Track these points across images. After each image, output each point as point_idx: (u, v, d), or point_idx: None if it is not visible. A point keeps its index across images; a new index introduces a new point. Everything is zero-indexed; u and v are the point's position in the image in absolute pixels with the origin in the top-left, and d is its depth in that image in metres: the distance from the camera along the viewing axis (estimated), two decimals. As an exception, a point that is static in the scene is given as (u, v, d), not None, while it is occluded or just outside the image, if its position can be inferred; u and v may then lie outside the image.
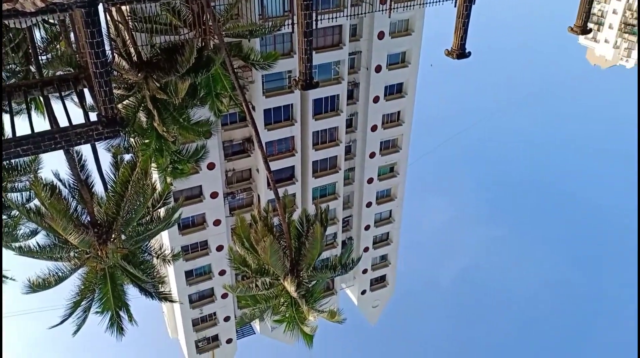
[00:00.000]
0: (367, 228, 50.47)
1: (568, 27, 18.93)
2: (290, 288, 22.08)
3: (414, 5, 37.16)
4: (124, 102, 22.04)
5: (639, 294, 71.91)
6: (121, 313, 20.65)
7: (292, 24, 16.96)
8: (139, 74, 20.42)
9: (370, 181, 47.35)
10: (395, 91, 43.76)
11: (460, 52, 18.12)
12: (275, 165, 40.28)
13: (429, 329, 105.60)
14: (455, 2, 16.92)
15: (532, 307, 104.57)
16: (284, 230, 23.01)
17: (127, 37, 21.09)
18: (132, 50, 20.94)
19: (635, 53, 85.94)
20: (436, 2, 17.55)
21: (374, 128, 44.18)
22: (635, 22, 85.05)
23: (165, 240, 40.82)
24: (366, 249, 51.66)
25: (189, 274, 44.70)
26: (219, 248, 43.80)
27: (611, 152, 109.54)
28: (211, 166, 38.96)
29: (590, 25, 19.52)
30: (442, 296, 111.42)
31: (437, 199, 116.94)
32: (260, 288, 23.29)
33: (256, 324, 51.26)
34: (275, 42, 36.16)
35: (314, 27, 16.37)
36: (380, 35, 39.39)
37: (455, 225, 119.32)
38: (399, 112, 45.10)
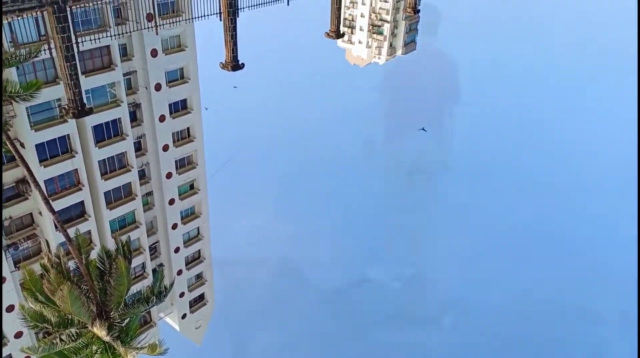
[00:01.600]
0: (176, 250, 48.98)
1: (325, 32, 20.82)
2: (101, 333, 20.53)
3: (179, 21, 37.20)
4: None
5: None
6: None
7: (50, 49, 15.60)
8: None
9: (171, 202, 46.02)
10: (180, 107, 43.12)
11: (234, 64, 18.67)
12: (60, 204, 36.72)
13: (257, 333, 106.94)
14: (221, 17, 17.35)
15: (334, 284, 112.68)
16: (83, 273, 21.25)
17: None
18: None
19: (384, 50, 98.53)
20: (201, 17, 17.75)
21: (165, 148, 42.99)
22: (379, 23, 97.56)
23: None
24: (179, 272, 50.17)
25: (-26, 348, 38.36)
26: (10, 309, 38.32)
27: (383, 139, 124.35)
28: (-20, 219, 33.86)
29: (343, 29, 21.77)
30: (264, 296, 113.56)
31: (244, 206, 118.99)
32: (66, 342, 21.18)
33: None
34: (36, 70, 32.71)
35: (75, 50, 15.32)
36: (154, 53, 38.43)
37: (263, 227, 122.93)
38: (188, 128, 44.57)
